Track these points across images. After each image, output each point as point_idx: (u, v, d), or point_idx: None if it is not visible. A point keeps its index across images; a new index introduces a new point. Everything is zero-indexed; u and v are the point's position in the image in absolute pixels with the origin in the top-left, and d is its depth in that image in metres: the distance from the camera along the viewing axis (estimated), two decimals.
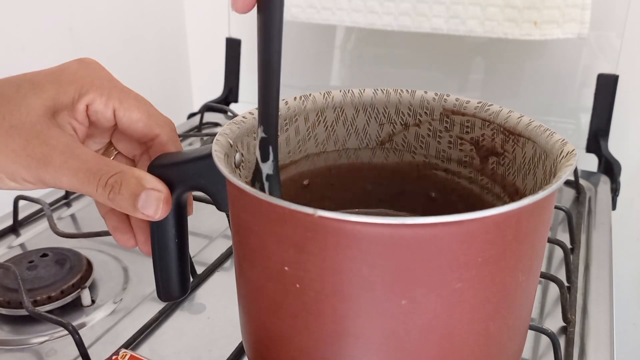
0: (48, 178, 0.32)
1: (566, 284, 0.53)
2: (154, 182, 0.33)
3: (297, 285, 0.30)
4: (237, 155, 0.37)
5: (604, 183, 0.76)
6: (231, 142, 0.35)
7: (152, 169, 0.36)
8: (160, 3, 0.98)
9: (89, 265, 0.55)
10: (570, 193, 0.72)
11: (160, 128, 0.37)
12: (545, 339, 0.47)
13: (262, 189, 0.32)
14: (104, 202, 0.33)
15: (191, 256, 0.54)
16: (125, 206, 0.33)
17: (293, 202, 0.27)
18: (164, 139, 0.37)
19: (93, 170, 0.32)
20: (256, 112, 0.38)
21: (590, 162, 0.80)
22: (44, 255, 0.55)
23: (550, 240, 0.56)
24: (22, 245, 0.61)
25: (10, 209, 0.64)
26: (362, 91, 0.41)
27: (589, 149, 0.80)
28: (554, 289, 0.53)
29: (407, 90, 0.41)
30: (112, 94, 0.35)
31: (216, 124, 0.93)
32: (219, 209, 0.36)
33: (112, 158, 0.39)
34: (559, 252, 0.59)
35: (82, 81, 0.34)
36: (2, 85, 0.34)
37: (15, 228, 0.64)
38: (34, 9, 0.74)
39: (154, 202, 0.33)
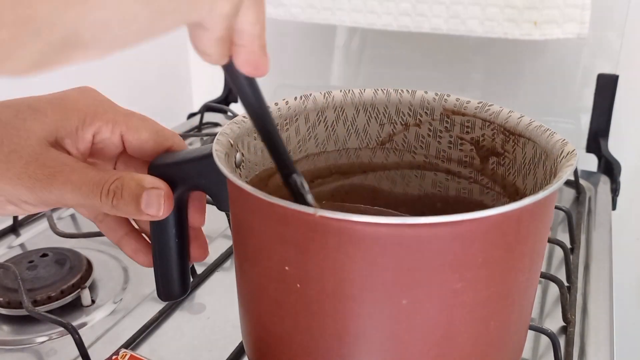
0: (52, 198, 0.32)
1: (566, 284, 0.53)
2: (153, 181, 0.33)
3: (298, 285, 0.30)
4: (238, 155, 0.37)
5: (604, 183, 0.76)
6: (232, 142, 0.35)
7: (153, 169, 0.36)
8: None
9: (89, 265, 0.55)
10: (570, 193, 0.72)
11: (169, 141, 0.37)
12: (545, 339, 0.47)
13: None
14: (109, 210, 0.33)
15: None
16: (129, 210, 0.33)
17: (294, 202, 0.28)
18: (178, 148, 0.38)
19: (95, 181, 0.32)
20: None
21: (590, 162, 0.80)
22: (44, 255, 0.55)
23: (550, 240, 0.56)
24: (22, 245, 0.61)
25: None
26: (363, 91, 0.41)
27: (589, 149, 0.80)
28: (554, 289, 0.53)
29: (407, 90, 0.41)
30: (118, 120, 0.36)
31: (216, 124, 0.92)
32: (220, 208, 0.36)
33: None
34: (559, 252, 0.59)
35: (85, 109, 0.35)
36: (0, 111, 0.34)
37: (15, 228, 0.64)
38: None
39: (155, 201, 0.33)
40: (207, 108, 0.93)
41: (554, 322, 0.50)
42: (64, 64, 0.21)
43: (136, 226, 0.40)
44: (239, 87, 0.29)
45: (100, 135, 0.35)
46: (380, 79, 0.93)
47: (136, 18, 0.21)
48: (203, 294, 0.53)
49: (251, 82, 0.29)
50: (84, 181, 0.32)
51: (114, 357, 0.42)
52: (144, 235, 0.40)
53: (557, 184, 0.29)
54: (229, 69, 0.27)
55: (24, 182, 0.32)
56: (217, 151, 0.33)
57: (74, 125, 0.34)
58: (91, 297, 0.52)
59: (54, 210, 0.67)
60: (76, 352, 0.44)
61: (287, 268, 0.30)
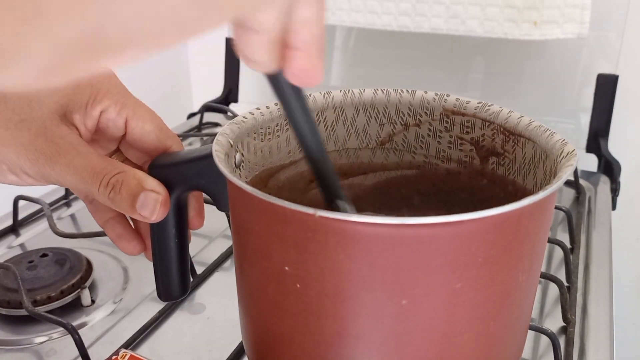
0: (53, 175, 0.33)
1: (566, 284, 0.53)
2: (153, 184, 0.34)
3: (298, 285, 0.30)
4: (238, 155, 0.37)
5: (604, 183, 0.76)
6: (231, 142, 0.35)
7: (153, 169, 0.36)
8: None
9: (89, 265, 0.55)
10: (570, 193, 0.72)
11: (171, 141, 0.37)
12: (545, 339, 0.47)
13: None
14: (104, 201, 0.33)
15: (191, 256, 0.54)
16: (124, 206, 0.33)
17: (293, 202, 0.28)
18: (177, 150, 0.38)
19: (97, 170, 0.33)
20: (257, 112, 0.38)
21: (590, 162, 0.80)
22: (44, 255, 0.55)
23: (550, 240, 0.56)
24: (21, 246, 0.61)
25: (10, 209, 0.64)
26: (362, 91, 0.41)
27: (588, 149, 0.80)
28: (553, 289, 0.53)
29: (407, 90, 0.41)
30: (127, 104, 0.36)
31: (216, 124, 0.92)
32: (219, 209, 0.36)
33: None
34: (558, 252, 0.59)
35: (98, 86, 0.35)
36: None
37: (15, 228, 0.64)
38: None
39: (151, 204, 0.33)
40: (207, 108, 0.93)
41: (554, 322, 0.50)
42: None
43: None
44: (285, 101, 0.25)
45: (106, 115, 0.35)
46: (380, 79, 0.93)
47: (174, 11, 0.17)
48: (203, 294, 0.53)
49: (299, 94, 0.25)
50: (86, 167, 0.32)
51: (113, 357, 0.42)
52: (130, 222, 0.40)
53: (557, 184, 0.29)
54: (276, 79, 0.24)
55: (29, 153, 0.32)
56: (217, 151, 0.33)
57: (84, 100, 0.34)
58: (91, 297, 0.52)
59: (53, 210, 0.67)
60: (76, 352, 0.44)
61: (287, 268, 0.30)
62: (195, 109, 0.97)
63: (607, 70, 0.78)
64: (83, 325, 0.50)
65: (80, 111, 0.34)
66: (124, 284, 0.55)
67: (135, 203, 0.33)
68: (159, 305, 0.51)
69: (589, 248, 0.61)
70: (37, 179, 0.33)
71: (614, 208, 0.74)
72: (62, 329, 0.47)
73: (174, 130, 0.39)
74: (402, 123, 0.42)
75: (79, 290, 0.52)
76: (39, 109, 0.33)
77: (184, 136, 0.86)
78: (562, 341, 0.48)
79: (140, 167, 0.39)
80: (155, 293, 0.40)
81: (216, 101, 0.95)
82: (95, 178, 0.32)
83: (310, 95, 0.40)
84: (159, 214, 0.34)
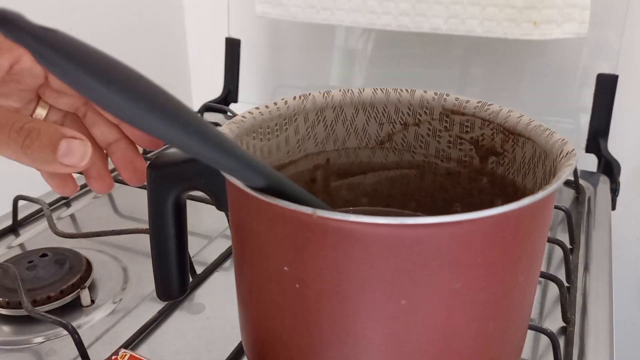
0: None
1: (566, 283, 0.53)
2: (74, 132, 0.29)
3: (297, 286, 0.30)
4: None
5: (604, 183, 0.76)
6: None
7: (152, 168, 0.36)
8: (160, 3, 0.98)
9: (89, 265, 0.55)
10: (569, 193, 0.72)
11: None
12: (544, 339, 0.47)
13: None
14: (15, 152, 0.28)
15: (191, 256, 0.54)
16: (43, 156, 0.28)
17: (293, 202, 0.27)
18: None
19: (5, 119, 0.28)
20: (256, 112, 0.38)
21: (590, 162, 0.80)
22: (44, 255, 0.55)
23: (549, 240, 0.56)
24: (21, 246, 0.61)
25: (10, 209, 0.64)
26: (362, 90, 0.41)
27: (588, 149, 0.80)
28: (553, 289, 0.53)
29: (406, 90, 0.41)
30: None
31: (216, 124, 0.92)
32: (219, 208, 0.36)
33: (44, 117, 0.35)
34: (558, 252, 0.59)
35: None
36: None
37: (14, 228, 0.64)
38: (33, 9, 0.74)
39: (79, 148, 0.28)
40: (207, 108, 0.93)
41: (554, 322, 0.50)
42: None
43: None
44: None
45: (21, 65, 0.31)
46: (379, 78, 0.93)
47: None
48: (202, 294, 0.53)
49: None
50: None
51: (113, 357, 0.42)
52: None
53: (557, 183, 0.29)
54: None
55: None
56: None
57: None
58: (91, 297, 0.52)
59: (53, 210, 0.67)
60: (76, 352, 0.44)
61: (286, 268, 0.30)
62: (195, 109, 0.97)
63: (607, 70, 0.78)
64: (83, 325, 0.50)
65: None
66: (124, 284, 0.55)
67: (57, 150, 0.28)
68: (158, 305, 0.51)
69: (588, 248, 0.61)
70: None
71: (613, 208, 0.74)
72: (61, 329, 0.47)
73: None
74: (402, 122, 0.42)
75: (79, 290, 0.52)
76: None
77: None
78: (561, 341, 0.48)
79: (75, 116, 0.36)
80: (154, 293, 0.40)
81: (216, 101, 0.95)
82: (4, 123, 0.28)
83: (309, 94, 0.40)
84: (88, 157, 0.29)
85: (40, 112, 0.34)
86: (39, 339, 0.48)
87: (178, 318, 0.50)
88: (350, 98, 0.41)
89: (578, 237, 0.62)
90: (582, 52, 0.81)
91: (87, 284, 0.52)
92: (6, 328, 0.49)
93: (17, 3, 0.79)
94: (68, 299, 0.51)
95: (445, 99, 0.40)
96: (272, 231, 0.29)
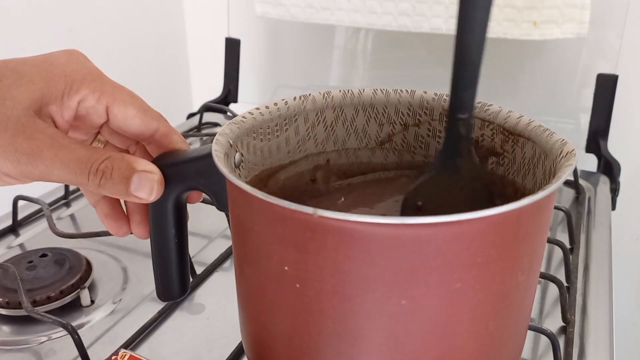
0: (36, 172, 0.32)
1: (565, 284, 0.53)
2: (144, 164, 0.33)
3: (297, 285, 0.30)
4: (237, 155, 0.36)
5: (604, 183, 0.76)
6: (231, 142, 0.35)
7: None
8: (160, 3, 0.98)
9: (88, 265, 0.55)
10: (569, 193, 0.72)
11: (157, 122, 0.36)
12: (544, 339, 0.47)
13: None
14: (95, 190, 0.32)
15: (191, 256, 0.54)
16: (118, 190, 0.32)
17: (293, 202, 0.27)
18: (165, 130, 0.36)
19: (84, 159, 0.31)
20: (256, 112, 0.38)
21: (590, 162, 0.80)
22: (43, 255, 0.55)
23: (549, 241, 0.56)
24: (21, 246, 0.61)
25: (10, 209, 0.64)
26: (362, 91, 0.41)
27: (588, 149, 0.80)
28: (553, 289, 0.53)
29: (406, 90, 0.41)
30: (105, 90, 0.34)
31: (215, 124, 0.92)
32: (219, 208, 0.36)
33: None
34: (558, 252, 0.59)
35: (73, 75, 0.33)
36: None
37: (14, 228, 0.64)
38: (33, 9, 0.74)
39: (147, 184, 0.32)
40: (207, 108, 0.93)
41: (554, 323, 0.50)
42: None
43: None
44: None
45: (85, 103, 0.34)
46: (379, 79, 0.93)
47: None
48: (202, 294, 0.53)
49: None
50: (72, 158, 0.31)
51: (113, 357, 0.42)
52: (122, 203, 0.39)
53: (557, 184, 0.29)
54: None
55: (9, 155, 0.31)
56: (217, 151, 0.33)
57: (60, 91, 0.33)
58: (90, 298, 0.52)
59: (53, 210, 0.67)
60: (75, 352, 0.44)
61: (286, 268, 0.30)
62: (195, 109, 0.97)
63: (607, 70, 0.78)
64: (82, 325, 0.50)
65: (56, 102, 0.33)
66: (124, 284, 0.55)
67: (129, 186, 0.32)
68: (158, 306, 0.51)
69: (588, 248, 0.61)
70: (20, 178, 0.32)
71: (613, 208, 0.74)
72: (61, 329, 0.47)
73: None
74: (402, 123, 0.42)
75: (79, 290, 0.52)
76: (13, 107, 0.31)
77: (183, 136, 0.86)
78: (561, 341, 0.48)
79: (126, 152, 0.39)
80: (154, 293, 0.40)
81: (216, 101, 0.95)
82: (84, 167, 0.31)
83: (309, 95, 0.40)
84: (157, 192, 0.33)
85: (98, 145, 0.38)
86: (39, 339, 0.48)
87: (178, 318, 0.50)
88: (350, 98, 0.41)
89: (578, 237, 0.62)
90: (582, 52, 0.81)
91: (87, 284, 0.52)
92: (6, 328, 0.49)
93: (18, 3, 0.79)
94: (68, 299, 0.51)
95: (445, 99, 0.40)
96: (273, 231, 0.29)
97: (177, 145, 0.37)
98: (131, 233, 0.39)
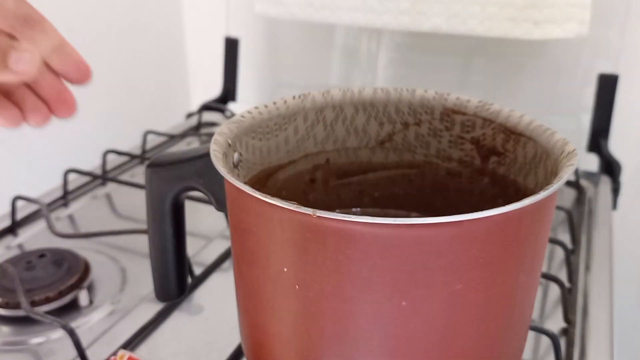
0: None
1: (567, 284, 0.53)
2: (23, 46, 0.33)
3: (297, 286, 0.29)
4: (236, 155, 0.36)
5: (605, 183, 0.76)
6: (229, 142, 0.35)
7: (151, 168, 0.35)
8: (159, 2, 0.98)
9: (87, 266, 0.54)
10: (571, 193, 0.72)
11: (28, 7, 0.35)
12: (546, 340, 0.46)
13: None
14: None
15: (189, 257, 0.54)
16: None
17: (292, 203, 0.27)
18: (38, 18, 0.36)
19: None
20: (255, 112, 0.38)
21: (591, 162, 0.80)
22: (42, 255, 0.55)
23: (551, 241, 0.56)
24: (20, 246, 0.61)
25: (8, 209, 0.64)
26: (362, 90, 0.41)
27: (589, 149, 0.80)
28: (554, 290, 0.53)
29: (407, 89, 0.41)
30: None
31: (214, 124, 0.92)
32: (217, 209, 0.36)
33: None
34: (559, 253, 0.59)
35: None
36: None
37: (13, 228, 0.64)
38: None
39: (28, 56, 0.33)
40: (206, 107, 0.93)
41: (555, 323, 0.50)
42: None
43: None
44: None
45: None
46: (379, 78, 0.93)
47: None
48: (201, 295, 0.53)
49: None
50: None
51: (112, 358, 0.42)
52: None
53: (558, 183, 0.29)
54: None
55: None
56: (215, 151, 0.32)
57: None
58: (89, 298, 0.52)
59: (52, 210, 0.67)
60: (74, 353, 0.44)
61: (285, 269, 0.29)
62: (194, 108, 0.97)
63: (608, 69, 0.78)
64: (81, 326, 0.49)
65: None
66: (122, 285, 0.54)
67: (9, 59, 0.32)
68: (157, 306, 0.51)
69: (590, 248, 0.61)
70: None
71: (614, 208, 0.74)
72: (60, 329, 0.47)
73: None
74: (402, 122, 0.42)
75: (77, 290, 0.51)
76: None
77: (182, 136, 0.86)
78: (562, 342, 0.47)
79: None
80: (153, 294, 0.40)
81: (215, 100, 0.95)
82: None
83: (309, 94, 0.40)
84: (37, 64, 0.33)
85: None
86: (38, 340, 0.48)
87: (177, 319, 0.50)
88: (350, 97, 0.41)
89: (579, 237, 0.62)
90: (582, 52, 0.81)
91: (86, 284, 0.52)
92: (5, 328, 0.49)
93: None
94: (66, 299, 0.51)
95: (445, 98, 0.40)
96: (272, 232, 0.29)
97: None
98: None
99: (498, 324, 0.31)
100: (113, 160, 0.78)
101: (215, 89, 0.97)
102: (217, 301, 0.52)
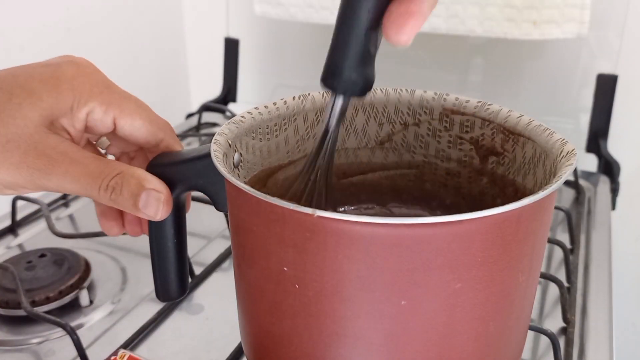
0: (50, 186, 0.33)
1: (566, 284, 0.53)
2: (154, 183, 0.34)
3: (297, 286, 0.30)
4: (236, 155, 0.36)
5: (604, 183, 0.76)
6: (230, 142, 0.35)
7: (151, 168, 0.35)
8: (159, 3, 0.98)
9: (87, 265, 0.55)
10: (570, 193, 0.72)
11: (163, 132, 0.37)
12: (545, 340, 0.46)
13: None
14: (106, 203, 0.33)
15: (190, 256, 0.54)
16: (127, 206, 0.33)
17: (292, 202, 0.27)
18: (169, 142, 0.38)
19: (94, 175, 0.33)
20: (255, 112, 0.38)
21: (590, 162, 0.80)
22: (42, 255, 0.55)
23: (550, 241, 0.56)
24: (20, 246, 0.61)
25: (9, 209, 0.64)
26: None
27: (588, 149, 0.80)
28: (553, 289, 0.53)
29: (406, 90, 0.41)
30: (112, 102, 0.35)
31: (214, 124, 0.92)
32: (218, 209, 0.36)
33: (105, 148, 0.40)
34: (558, 252, 0.59)
35: (80, 88, 0.34)
36: None
37: (13, 228, 0.64)
38: (32, 9, 0.74)
39: (154, 202, 0.33)
40: (206, 108, 0.93)
41: (554, 323, 0.50)
42: None
43: None
44: None
45: (93, 116, 0.35)
46: (379, 78, 0.93)
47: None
48: (201, 294, 0.53)
49: None
50: (83, 173, 0.32)
51: (112, 357, 0.42)
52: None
53: (557, 183, 0.29)
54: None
55: (22, 171, 0.32)
56: (215, 151, 0.32)
57: (68, 106, 0.34)
58: (89, 298, 0.52)
59: (52, 210, 0.67)
60: (74, 352, 0.44)
61: (285, 269, 0.30)
62: (194, 109, 0.97)
63: (607, 69, 0.78)
64: (81, 325, 0.50)
65: (66, 116, 0.34)
66: (123, 285, 0.55)
67: (138, 203, 0.33)
68: (157, 306, 0.51)
69: (588, 248, 0.61)
70: (36, 189, 0.33)
71: (613, 208, 0.74)
72: (60, 329, 0.47)
73: None
74: (402, 122, 0.42)
75: (78, 290, 0.52)
76: (24, 125, 0.32)
77: (182, 136, 0.86)
78: (562, 341, 0.48)
79: (134, 157, 0.40)
80: (153, 293, 0.40)
81: (215, 101, 0.95)
82: (94, 183, 0.33)
83: (309, 95, 0.40)
84: (163, 212, 0.34)
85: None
86: (38, 340, 0.48)
87: (177, 319, 0.50)
88: None
89: (578, 237, 0.62)
90: (582, 52, 0.81)
91: (86, 284, 0.52)
92: (5, 328, 0.49)
93: (16, 3, 0.79)
94: (67, 299, 0.51)
95: (445, 98, 0.40)
96: (272, 231, 0.29)
97: None
98: (124, 233, 0.39)
99: (497, 324, 0.31)
100: None
101: (215, 90, 0.98)
102: (217, 301, 0.52)
